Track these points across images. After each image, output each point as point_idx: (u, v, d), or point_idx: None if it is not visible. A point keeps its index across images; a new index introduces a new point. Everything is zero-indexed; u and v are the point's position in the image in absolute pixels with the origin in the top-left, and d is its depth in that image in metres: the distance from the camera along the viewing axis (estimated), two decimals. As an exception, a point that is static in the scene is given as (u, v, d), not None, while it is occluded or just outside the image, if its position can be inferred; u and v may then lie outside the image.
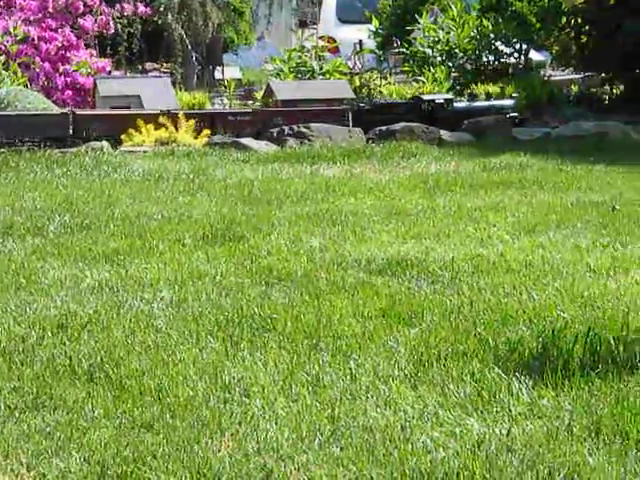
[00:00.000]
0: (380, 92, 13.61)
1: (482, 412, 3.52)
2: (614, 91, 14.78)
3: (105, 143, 10.95)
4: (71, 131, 11.32)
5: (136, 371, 3.94)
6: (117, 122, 11.35)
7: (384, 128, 11.84)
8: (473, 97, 13.62)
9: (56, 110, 11.84)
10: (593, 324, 4.31)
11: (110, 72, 14.51)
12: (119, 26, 15.62)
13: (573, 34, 14.78)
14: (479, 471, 3.06)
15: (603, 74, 14.59)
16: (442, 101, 12.89)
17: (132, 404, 3.63)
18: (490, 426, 3.39)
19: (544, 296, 4.91)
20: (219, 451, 3.24)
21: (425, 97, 13.03)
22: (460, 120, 12.43)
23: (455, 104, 13.00)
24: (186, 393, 3.71)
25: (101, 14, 14.81)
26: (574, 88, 14.80)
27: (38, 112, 11.52)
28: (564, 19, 14.85)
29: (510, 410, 3.52)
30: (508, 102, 13.21)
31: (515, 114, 12.79)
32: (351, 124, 12.12)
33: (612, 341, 4.09)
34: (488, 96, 13.64)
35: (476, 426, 3.39)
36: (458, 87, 14.33)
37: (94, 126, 11.35)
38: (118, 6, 15.34)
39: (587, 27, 14.57)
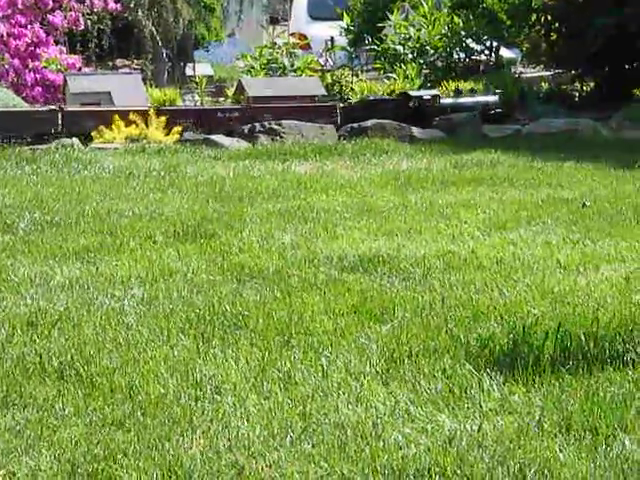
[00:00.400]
0: (352, 89, 13.60)
1: (453, 408, 3.53)
2: (584, 88, 14.85)
3: (75, 140, 10.89)
4: (60, 127, 11.27)
5: (107, 368, 3.93)
6: (106, 118, 11.28)
7: (356, 125, 11.83)
8: (459, 93, 13.65)
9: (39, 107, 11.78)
10: (563, 320, 4.34)
11: (80, 69, 14.42)
12: (89, 22, 15.53)
13: (543, 31, 14.84)
14: (450, 467, 3.07)
15: (573, 71, 14.66)
16: (429, 97, 12.91)
17: (103, 402, 3.61)
18: (461, 422, 3.40)
19: (515, 292, 4.93)
20: (190, 448, 3.23)
21: (413, 93, 13.04)
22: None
23: (442, 100, 13.02)
24: (157, 391, 3.70)
25: (71, 10, 14.71)
26: (544, 85, 14.87)
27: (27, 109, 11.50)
28: (534, 16, 14.91)
29: (481, 406, 3.53)
30: (492, 98, 13.24)
31: (500, 110, 12.83)
32: (339, 120, 12.15)
33: (582, 337, 4.12)
34: (472, 92, 13.67)
35: (447, 422, 3.40)
36: (429, 84, 14.36)
37: (84, 123, 11.29)
38: (88, 2, 15.24)
39: (557, 24, 14.64)
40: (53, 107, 11.70)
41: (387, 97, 13.14)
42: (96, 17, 15.74)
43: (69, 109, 11.67)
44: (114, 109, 11.55)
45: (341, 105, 12.70)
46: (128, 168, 9.30)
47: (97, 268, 5.55)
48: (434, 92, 13.22)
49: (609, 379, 3.74)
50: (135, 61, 17.47)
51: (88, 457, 3.17)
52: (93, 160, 9.73)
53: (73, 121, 11.37)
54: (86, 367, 3.95)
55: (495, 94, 13.35)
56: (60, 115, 11.38)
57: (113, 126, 11.06)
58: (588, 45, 13.63)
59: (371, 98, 13.06)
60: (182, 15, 17.06)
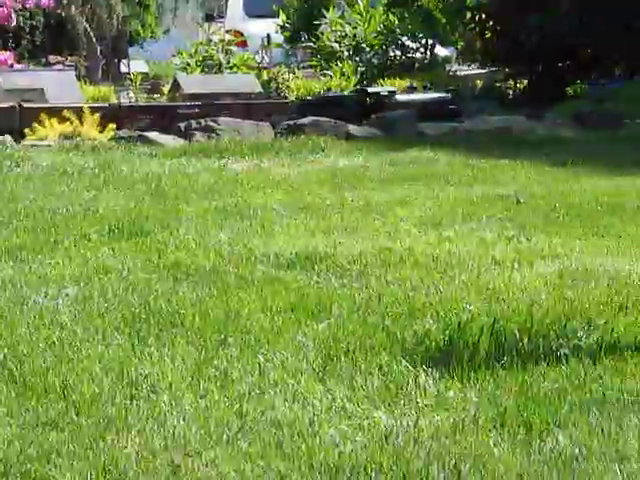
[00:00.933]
0: (288, 87, 13.61)
1: (390, 405, 3.54)
2: (518, 86, 15.00)
3: (8, 137, 10.75)
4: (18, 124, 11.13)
5: (40, 368, 3.88)
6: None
7: (292, 122, 11.82)
8: (412, 89, 13.76)
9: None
10: (498, 316, 4.37)
11: (12, 65, 14.24)
12: (21, 18, 15.34)
13: (478, 30, 14.96)
14: (386, 463, 3.07)
15: (507, 69, 14.81)
16: (386, 93, 12.98)
17: (36, 402, 3.57)
18: (397, 418, 3.41)
19: (450, 289, 4.96)
20: (125, 448, 3.20)
21: (370, 89, 13.11)
22: None
23: (397, 97, 13.09)
24: (92, 390, 3.66)
25: (2, 6, 14.52)
26: (479, 83, 14.99)
27: None
28: (469, 14, 15.03)
29: (417, 402, 3.55)
30: (445, 95, 13.36)
31: (454, 106, 12.93)
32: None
33: (517, 333, 4.15)
34: (425, 88, 13.79)
35: (384, 419, 3.40)
36: (365, 82, 14.41)
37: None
38: (20, -2, 15.07)
39: (491, 23, 14.77)
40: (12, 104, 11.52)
41: (345, 94, 13.17)
42: (28, 13, 15.55)
43: (1, 105, 11.51)
44: (48, 106, 11.42)
45: (294, 101, 12.72)
46: (62, 166, 9.20)
47: (30, 267, 5.48)
48: (390, 88, 13.31)
49: (543, 374, 3.77)
50: (69, 57, 17.28)
51: (21, 457, 3.13)
52: (26, 157, 9.60)
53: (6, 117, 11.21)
54: (19, 367, 3.89)
55: (447, 91, 13.49)
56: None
57: (46, 123, 10.94)
58: (522, 43, 13.78)
59: (330, 94, 13.10)
60: (116, 11, 16.92)
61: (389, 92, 13.05)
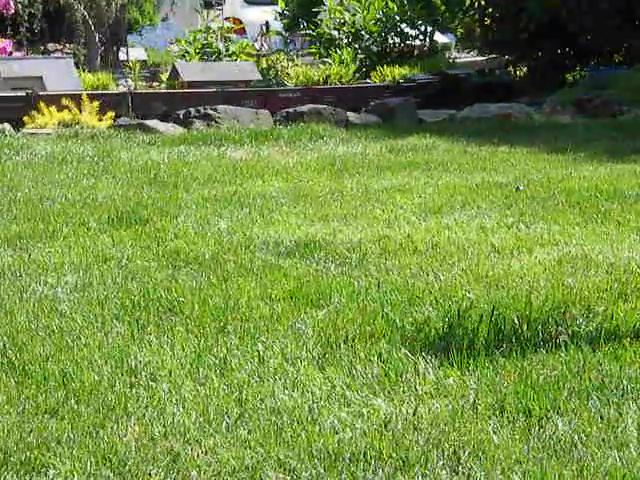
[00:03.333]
0: (287, 74, 13.59)
1: (389, 392, 3.54)
2: (518, 73, 14.98)
3: (7, 125, 10.74)
4: None
5: (40, 356, 3.88)
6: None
7: (291, 110, 11.81)
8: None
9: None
10: (497, 304, 4.37)
11: (11, 53, 14.22)
12: (19, 6, 15.30)
13: (477, 17, 14.94)
14: (386, 450, 3.08)
15: (507, 56, 14.78)
16: (464, 75, 13.36)
17: (36, 390, 3.57)
18: (397, 406, 3.41)
19: (450, 276, 4.96)
20: (125, 436, 3.20)
21: (450, 72, 13.70)
22: None
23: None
24: (91, 378, 3.66)
25: (1, -7, 14.49)
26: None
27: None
28: (468, 1, 15.00)
29: (416, 390, 3.55)
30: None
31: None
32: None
33: (516, 320, 4.15)
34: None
35: (383, 406, 3.41)
36: (364, 69, 14.39)
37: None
38: (19, -15, 15.04)
39: (490, 10, 14.73)
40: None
41: (429, 76, 13.51)
42: (27, 1, 15.52)
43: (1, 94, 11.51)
44: (47, 93, 11.41)
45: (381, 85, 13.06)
46: (61, 154, 9.19)
47: (29, 255, 5.48)
48: (466, 70, 13.69)
49: (542, 361, 3.78)
50: (67, 45, 17.26)
51: (21, 445, 3.13)
52: (25, 145, 9.60)
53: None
54: (19, 355, 3.90)
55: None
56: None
57: (45, 111, 10.93)
58: (521, 30, 13.75)
59: (415, 77, 13.42)
60: (114, -1, 16.89)
61: (465, 74, 13.43)
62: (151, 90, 12.85)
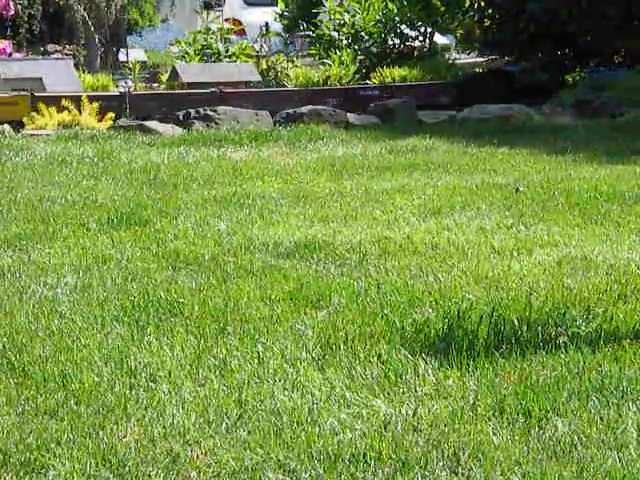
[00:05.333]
0: (287, 75, 13.58)
1: (389, 393, 3.54)
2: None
3: (6, 126, 10.74)
4: None
5: (40, 357, 3.88)
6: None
7: (291, 111, 11.80)
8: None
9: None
10: (497, 305, 4.37)
11: (11, 54, 14.23)
12: (19, 7, 15.31)
13: (477, 17, 14.93)
14: (385, 452, 3.08)
15: (507, 57, 14.77)
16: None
17: (36, 391, 3.57)
18: (396, 407, 3.41)
19: (450, 278, 4.96)
20: (125, 437, 3.20)
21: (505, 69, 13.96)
22: None
23: None
24: (91, 379, 3.66)
25: (0, -6, 14.49)
26: (478, 71, 14.95)
27: None
28: (468, 2, 14.99)
29: (416, 391, 3.55)
30: None
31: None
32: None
33: (516, 321, 4.15)
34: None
35: (383, 407, 3.41)
36: (364, 70, 14.38)
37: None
38: (18, -13, 15.04)
39: (490, 10, 14.73)
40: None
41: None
42: (26, 2, 15.52)
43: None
44: (47, 95, 11.41)
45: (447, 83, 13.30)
46: (61, 155, 9.19)
47: (29, 256, 5.48)
48: (516, 67, 13.90)
49: (542, 363, 3.78)
50: (67, 46, 17.26)
51: (20, 446, 3.13)
52: (25, 147, 9.60)
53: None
54: (18, 356, 3.90)
55: None
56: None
57: (45, 112, 10.93)
58: (521, 31, 13.75)
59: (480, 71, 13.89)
60: (114, 0, 16.88)
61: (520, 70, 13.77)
62: (151, 91, 12.85)
